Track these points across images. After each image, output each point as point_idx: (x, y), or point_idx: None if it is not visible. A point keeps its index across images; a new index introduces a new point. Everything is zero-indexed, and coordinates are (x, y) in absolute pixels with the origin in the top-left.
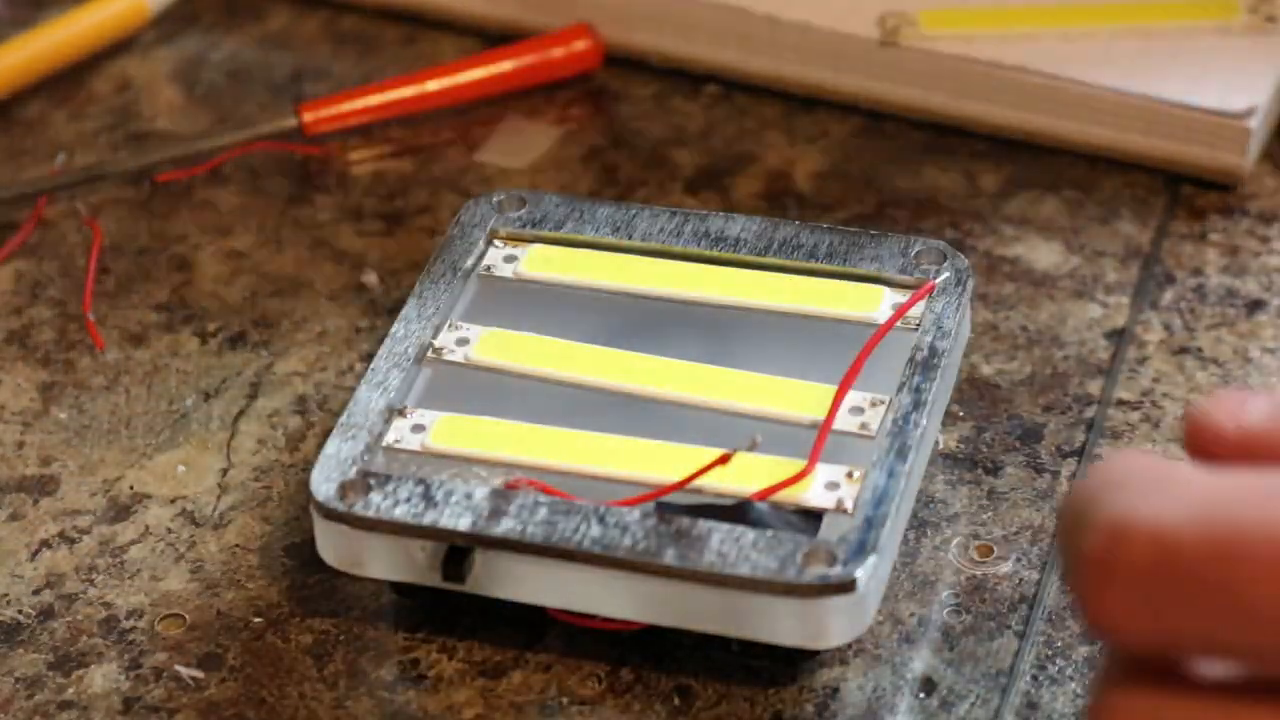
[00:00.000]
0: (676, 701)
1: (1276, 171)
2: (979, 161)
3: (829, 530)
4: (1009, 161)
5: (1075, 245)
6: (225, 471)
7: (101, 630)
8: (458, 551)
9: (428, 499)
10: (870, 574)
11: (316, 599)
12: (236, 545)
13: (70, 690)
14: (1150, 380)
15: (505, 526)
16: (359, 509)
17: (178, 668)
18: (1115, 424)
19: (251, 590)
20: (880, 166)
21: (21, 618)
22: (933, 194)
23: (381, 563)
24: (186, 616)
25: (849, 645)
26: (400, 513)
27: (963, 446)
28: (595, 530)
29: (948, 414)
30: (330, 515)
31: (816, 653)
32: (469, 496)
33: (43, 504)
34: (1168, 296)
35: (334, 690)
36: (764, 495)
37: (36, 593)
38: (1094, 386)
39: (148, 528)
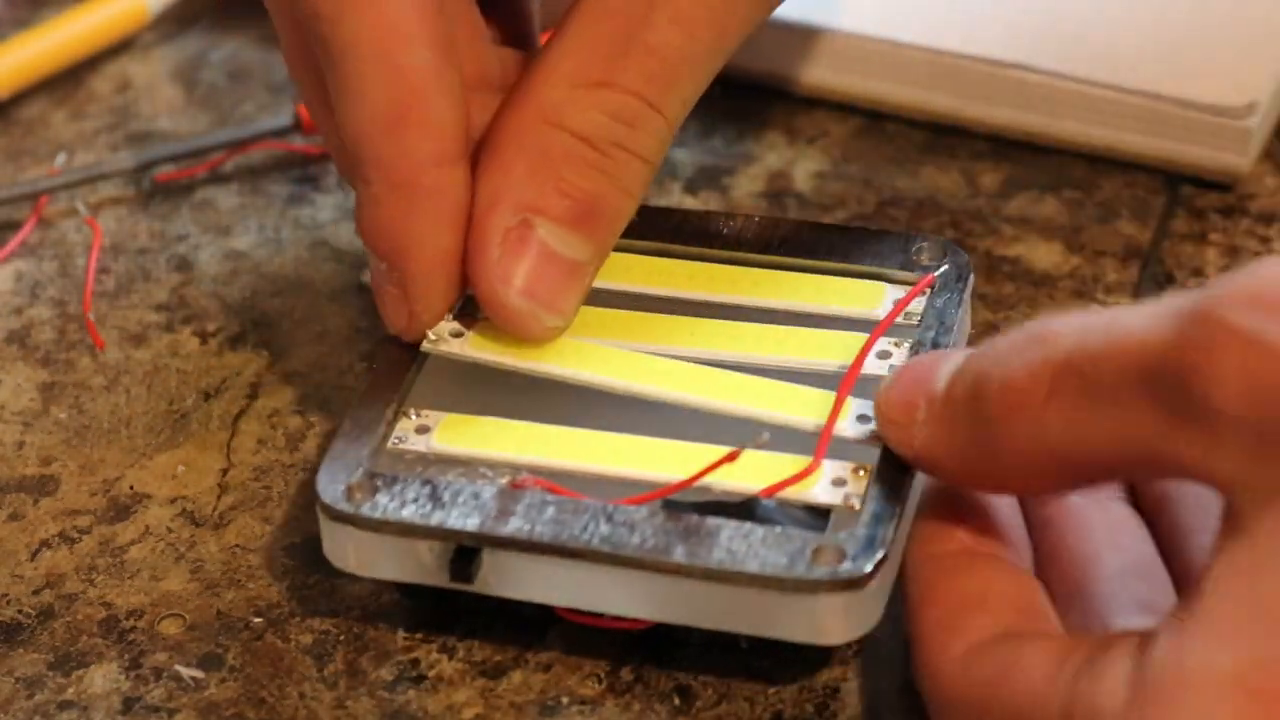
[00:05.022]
0: (676, 701)
1: (1276, 171)
2: (979, 161)
3: (837, 527)
4: (1009, 161)
5: (1075, 245)
6: (225, 471)
7: (101, 630)
8: (466, 552)
9: (435, 499)
10: (880, 569)
11: (316, 599)
12: (236, 545)
13: (70, 690)
14: None
15: (513, 526)
16: (366, 510)
17: (178, 668)
18: None
19: (251, 590)
20: (880, 166)
21: (21, 618)
22: (932, 194)
23: (389, 564)
24: (186, 616)
25: (850, 645)
26: (408, 513)
27: None
28: (604, 529)
29: None
30: (337, 517)
31: (826, 650)
32: (476, 496)
33: (43, 504)
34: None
35: (334, 690)
36: (771, 492)
37: (36, 593)
38: None
39: (148, 528)
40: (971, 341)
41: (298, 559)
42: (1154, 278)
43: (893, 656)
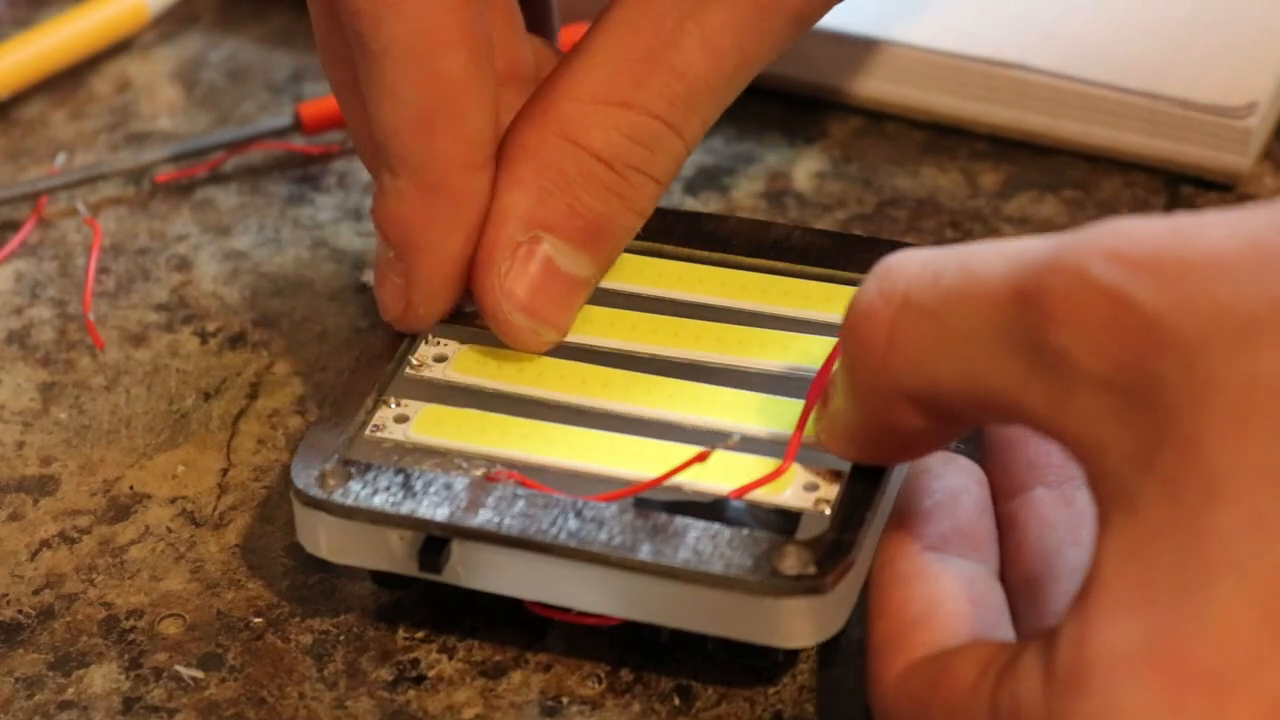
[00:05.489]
0: (676, 701)
1: (1276, 171)
2: (979, 161)
3: (806, 530)
4: (1009, 161)
5: None
6: (225, 471)
7: (101, 630)
8: (434, 541)
9: (407, 488)
10: (844, 575)
11: (316, 599)
12: (236, 545)
13: (70, 690)
14: None
15: (482, 518)
16: (338, 497)
17: (178, 668)
18: None
19: (251, 590)
20: (880, 166)
21: (21, 618)
22: (932, 194)
23: (360, 551)
24: (186, 616)
25: (850, 645)
26: (379, 501)
27: (963, 446)
28: (572, 524)
29: None
30: (309, 503)
31: (827, 650)
32: (448, 487)
33: (43, 504)
34: None
35: (334, 690)
36: (741, 493)
37: (36, 593)
38: None
39: (148, 528)
40: None
41: (298, 559)
42: None
43: None
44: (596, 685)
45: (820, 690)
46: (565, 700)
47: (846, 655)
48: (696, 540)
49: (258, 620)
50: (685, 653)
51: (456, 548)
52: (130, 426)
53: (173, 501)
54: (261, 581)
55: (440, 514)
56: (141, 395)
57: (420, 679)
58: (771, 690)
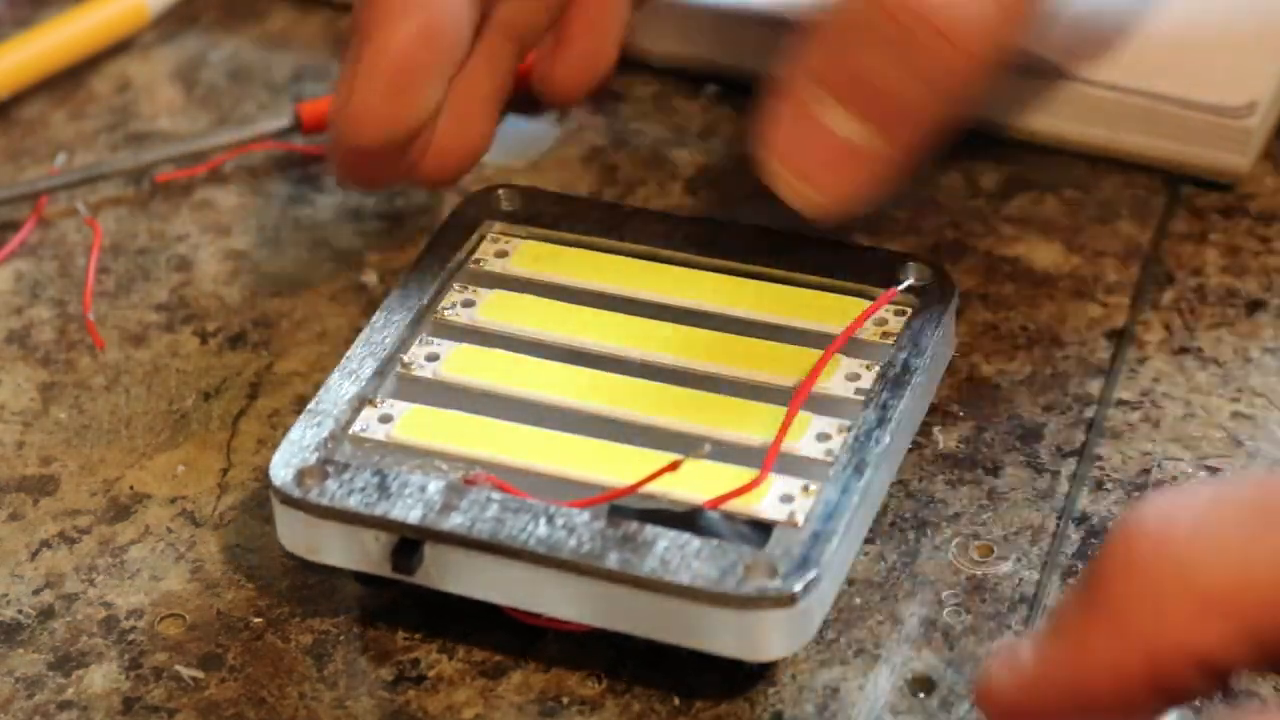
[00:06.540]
0: (676, 701)
1: (1276, 171)
2: (979, 161)
3: (777, 543)
4: (1009, 161)
5: (1075, 245)
6: (225, 471)
7: (101, 630)
8: (408, 544)
9: (383, 490)
10: (811, 589)
11: (316, 599)
12: (236, 545)
13: (70, 690)
14: (1150, 380)
15: (454, 521)
16: (314, 496)
17: (178, 668)
18: (1115, 424)
19: (251, 590)
20: None
21: (21, 618)
22: (932, 194)
23: (336, 551)
24: (186, 616)
25: (849, 645)
26: (354, 502)
27: (963, 446)
28: (542, 530)
29: (948, 414)
30: (286, 501)
31: (827, 650)
32: (423, 489)
33: (43, 504)
34: (1168, 296)
35: (334, 690)
36: (716, 504)
37: (36, 593)
38: (1094, 386)
39: (148, 528)
40: (972, 344)
41: (298, 559)
42: (1154, 278)
43: (892, 656)
44: (596, 685)
45: (820, 690)
46: (565, 700)
47: (846, 656)
48: (665, 550)
49: (258, 620)
50: (684, 653)
51: (429, 550)
52: (130, 426)
53: (173, 501)
54: (261, 581)
55: (413, 516)
56: (141, 395)
57: (420, 679)
58: (771, 690)
